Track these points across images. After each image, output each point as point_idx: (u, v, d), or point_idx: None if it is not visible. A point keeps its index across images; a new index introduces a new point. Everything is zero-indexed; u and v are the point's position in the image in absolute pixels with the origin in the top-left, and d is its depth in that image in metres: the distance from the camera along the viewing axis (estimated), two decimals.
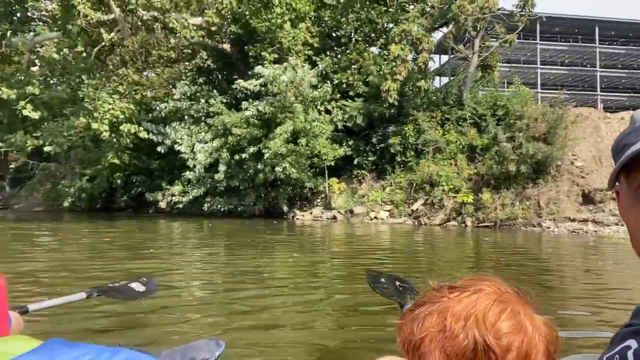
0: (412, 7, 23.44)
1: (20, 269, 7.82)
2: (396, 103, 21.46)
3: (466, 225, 18.99)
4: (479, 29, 22.32)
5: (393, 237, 16.00)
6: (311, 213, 22.84)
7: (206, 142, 22.72)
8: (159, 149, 23.85)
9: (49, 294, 5.27)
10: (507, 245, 14.01)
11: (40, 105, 19.10)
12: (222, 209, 23.24)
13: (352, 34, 25.69)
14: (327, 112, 23.09)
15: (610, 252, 12.55)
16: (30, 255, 10.30)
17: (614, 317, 5.36)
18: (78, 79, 20.48)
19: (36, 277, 7.42)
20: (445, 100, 23.18)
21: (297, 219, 22.58)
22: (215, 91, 24.31)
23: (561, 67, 39.64)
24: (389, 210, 21.36)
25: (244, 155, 21.53)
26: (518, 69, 35.57)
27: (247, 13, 22.72)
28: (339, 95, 23.42)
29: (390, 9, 24.80)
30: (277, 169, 20.79)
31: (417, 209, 20.77)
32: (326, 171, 22.27)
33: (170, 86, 28.04)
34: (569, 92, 33.21)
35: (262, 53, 22.16)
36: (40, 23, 20.93)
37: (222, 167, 22.09)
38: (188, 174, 23.13)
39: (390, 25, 24.78)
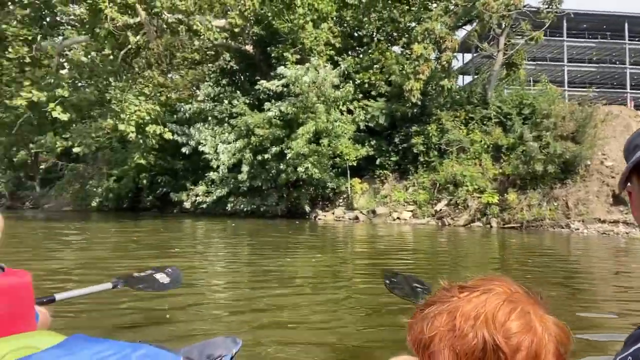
0: (435, 5, 23.21)
1: (51, 267, 8.08)
2: (419, 102, 21.30)
3: (491, 226, 18.70)
4: (504, 26, 21.95)
5: (416, 238, 15.86)
6: (333, 213, 22.83)
7: (229, 143, 22.95)
8: (183, 149, 24.19)
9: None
10: (534, 246, 13.72)
11: (69, 107, 19.55)
12: (245, 209, 23.43)
13: (374, 34, 25.57)
14: (349, 112, 23.06)
15: None
16: (60, 253, 10.61)
17: None
18: (105, 82, 20.93)
19: (67, 274, 7.65)
20: (469, 99, 22.89)
21: (319, 219, 22.60)
22: (238, 92, 24.52)
23: (589, 65, 38.60)
24: (411, 211, 21.19)
25: (266, 156, 21.67)
26: (544, 66, 34.86)
27: (269, 14, 22.88)
28: (361, 95, 23.36)
29: (413, 8, 24.60)
30: (300, 169, 20.86)
31: (440, 210, 20.56)
32: (348, 171, 22.23)
33: (194, 88, 28.40)
34: (598, 89, 32.33)
35: (285, 54, 22.30)
36: (69, 27, 21.45)
37: (245, 168, 22.29)
38: (212, 175, 23.39)
39: (413, 24, 24.59)
